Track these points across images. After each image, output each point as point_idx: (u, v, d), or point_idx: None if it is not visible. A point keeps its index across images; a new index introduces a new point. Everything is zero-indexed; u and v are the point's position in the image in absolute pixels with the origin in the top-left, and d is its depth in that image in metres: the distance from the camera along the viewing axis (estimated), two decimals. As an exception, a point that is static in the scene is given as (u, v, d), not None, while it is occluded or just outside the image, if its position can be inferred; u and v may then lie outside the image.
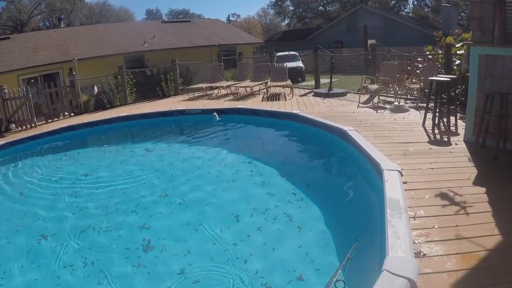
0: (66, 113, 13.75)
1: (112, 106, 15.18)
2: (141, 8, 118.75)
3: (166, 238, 4.99)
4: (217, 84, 15.23)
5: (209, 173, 7.34)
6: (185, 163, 8.04)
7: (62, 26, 35.65)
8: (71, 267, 4.45)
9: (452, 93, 8.18)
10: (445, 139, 7.30)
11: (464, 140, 7.12)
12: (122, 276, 4.24)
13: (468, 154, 6.38)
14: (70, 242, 5.05)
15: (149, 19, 72.70)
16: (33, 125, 12.09)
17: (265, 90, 14.34)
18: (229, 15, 78.39)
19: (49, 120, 12.97)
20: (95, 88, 17.28)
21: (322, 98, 13.05)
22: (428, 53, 12.46)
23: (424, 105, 8.89)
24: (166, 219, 5.57)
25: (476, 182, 5.21)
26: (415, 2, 57.21)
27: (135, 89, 16.26)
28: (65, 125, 11.01)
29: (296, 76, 21.36)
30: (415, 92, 11.02)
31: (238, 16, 78.12)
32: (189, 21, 36.82)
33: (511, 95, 6.06)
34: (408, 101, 11.15)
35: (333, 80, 14.37)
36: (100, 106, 15.28)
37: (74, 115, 13.66)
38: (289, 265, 4.20)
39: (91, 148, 10.33)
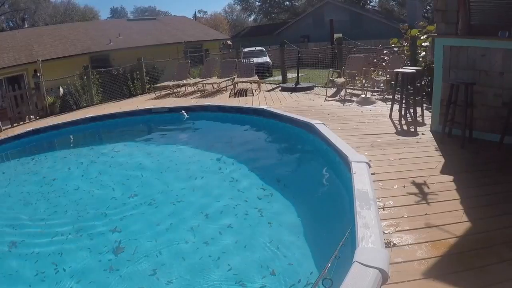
0: (32, 116, 13.40)
1: (79, 107, 14.90)
2: (106, 7, 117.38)
3: (137, 239, 4.90)
4: (184, 82, 15.09)
5: (177, 171, 7.29)
6: (153, 162, 7.94)
7: (26, 26, 34.82)
8: (43, 274, 4.33)
9: (418, 85, 8.28)
10: (412, 130, 7.39)
11: (430, 130, 7.22)
12: (95, 281, 4.14)
13: (435, 144, 6.47)
14: (40, 248, 4.90)
15: (114, 17, 71.75)
16: (-3, 129, 11.75)
17: (232, 86, 14.29)
18: (195, 12, 78.16)
19: (15, 124, 12.58)
20: (61, 89, 16.92)
21: (289, 93, 13.09)
22: (393, 45, 12.62)
23: (391, 96, 8.97)
24: (137, 220, 5.47)
25: (444, 171, 5.28)
26: (381, -4, 58.00)
27: (102, 89, 16.00)
28: (31, 129, 10.70)
29: (263, 72, 21.37)
30: (382, 84, 11.15)
31: (205, 12, 77.93)
32: (154, 18, 36.54)
33: (476, 85, 6.17)
34: (375, 93, 11.29)
35: (300, 74, 14.44)
36: (66, 107, 15.00)
37: (39, 118, 13.33)
38: (261, 261, 4.18)
39: (58, 151, 10.07)
